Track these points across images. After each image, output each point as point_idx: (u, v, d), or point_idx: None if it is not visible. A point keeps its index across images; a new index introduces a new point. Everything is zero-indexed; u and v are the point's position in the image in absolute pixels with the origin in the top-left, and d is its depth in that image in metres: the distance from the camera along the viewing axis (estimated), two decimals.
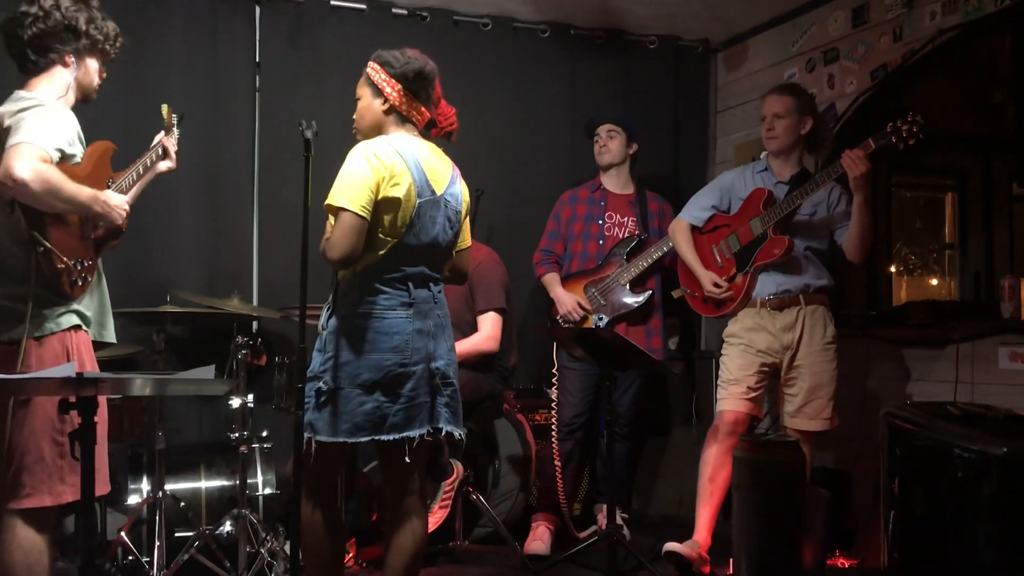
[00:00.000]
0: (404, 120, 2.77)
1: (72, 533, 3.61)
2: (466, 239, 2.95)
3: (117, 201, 2.75)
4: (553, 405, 4.33)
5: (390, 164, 2.62)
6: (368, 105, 2.78)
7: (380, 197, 2.60)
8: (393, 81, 2.73)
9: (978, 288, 5.56)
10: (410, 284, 2.68)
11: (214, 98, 4.43)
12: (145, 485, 3.61)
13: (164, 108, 3.20)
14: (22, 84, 2.70)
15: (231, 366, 3.61)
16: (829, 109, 4.46)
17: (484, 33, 4.90)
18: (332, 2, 4.61)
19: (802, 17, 4.72)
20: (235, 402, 3.54)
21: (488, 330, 4.06)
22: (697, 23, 5.08)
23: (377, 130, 2.76)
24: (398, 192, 2.62)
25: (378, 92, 2.75)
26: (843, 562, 3.86)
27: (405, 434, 2.64)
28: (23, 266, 2.55)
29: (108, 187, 2.78)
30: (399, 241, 2.65)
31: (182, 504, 3.58)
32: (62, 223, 2.59)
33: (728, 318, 3.86)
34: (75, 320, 2.64)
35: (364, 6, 4.65)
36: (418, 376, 2.66)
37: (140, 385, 2.35)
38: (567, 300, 4.28)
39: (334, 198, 2.59)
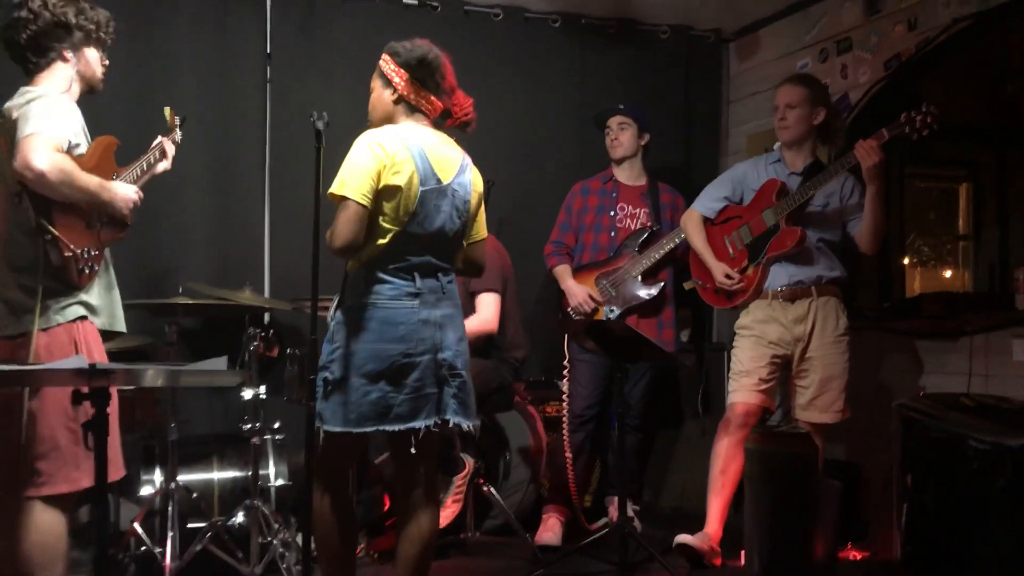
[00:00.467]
0: (413, 110, 2.76)
1: (86, 523, 3.64)
2: (481, 231, 2.94)
3: (124, 191, 2.78)
4: (564, 397, 4.33)
5: (392, 152, 2.62)
6: (379, 96, 2.79)
7: (381, 185, 2.60)
8: (400, 70, 2.73)
9: (992, 280, 5.52)
10: (416, 274, 2.68)
11: (225, 90, 4.44)
12: (158, 476, 3.63)
13: (167, 110, 3.25)
14: (27, 82, 2.75)
15: (243, 357, 3.62)
16: (842, 99, 4.43)
17: (495, 23, 4.89)
18: None
19: (815, 6, 4.69)
20: (247, 393, 3.55)
21: (486, 312, 4.00)
22: (709, 13, 5.06)
23: (387, 121, 2.76)
24: (399, 180, 2.61)
25: (388, 83, 2.76)
26: (855, 554, 3.85)
27: (410, 424, 2.64)
28: (31, 257, 2.59)
29: (113, 180, 2.81)
30: (403, 230, 2.65)
31: (194, 495, 3.60)
32: (69, 212, 2.62)
33: (740, 310, 3.85)
34: (81, 311, 2.67)
35: None
36: (424, 367, 2.65)
37: (152, 376, 2.36)
38: (578, 292, 4.27)
39: (336, 187, 2.60)
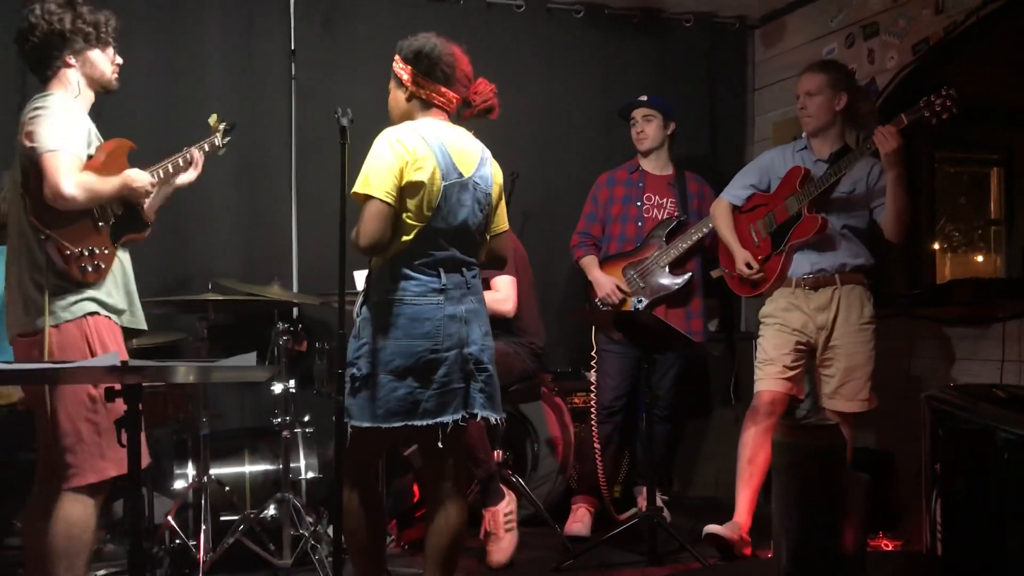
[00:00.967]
0: (428, 105, 2.77)
1: (121, 517, 3.70)
2: (502, 223, 2.95)
3: (140, 179, 2.82)
4: (592, 388, 4.33)
5: (412, 148, 2.63)
6: (394, 96, 2.81)
7: (404, 182, 2.62)
8: (405, 66, 2.75)
9: None
10: (441, 269, 2.69)
11: (250, 87, 4.47)
12: (190, 470, 3.67)
13: (213, 117, 3.28)
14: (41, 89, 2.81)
15: (272, 352, 3.66)
16: (870, 85, 4.38)
17: (518, 15, 4.88)
18: None
19: None
20: (277, 388, 3.59)
21: (504, 291, 3.95)
22: (734, 0, 5.01)
23: (406, 119, 2.77)
24: (422, 176, 2.62)
25: (400, 82, 2.78)
26: (887, 543, 3.82)
27: (438, 420, 2.66)
28: (42, 256, 2.66)
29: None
30: (427, 225, 2.66)
31: (227, 488, 3.64)
32: (70, 212, 2.67)
33: (765, 298, 3.83)
34: (92, 307, 2.72)
35: None
36: (450, 362, 2.67)
37: (184, 372, 2.38)
38: (605, 283, 4.27)
39: (359, 186, 2.61)
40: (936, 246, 5.39)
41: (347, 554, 2.91)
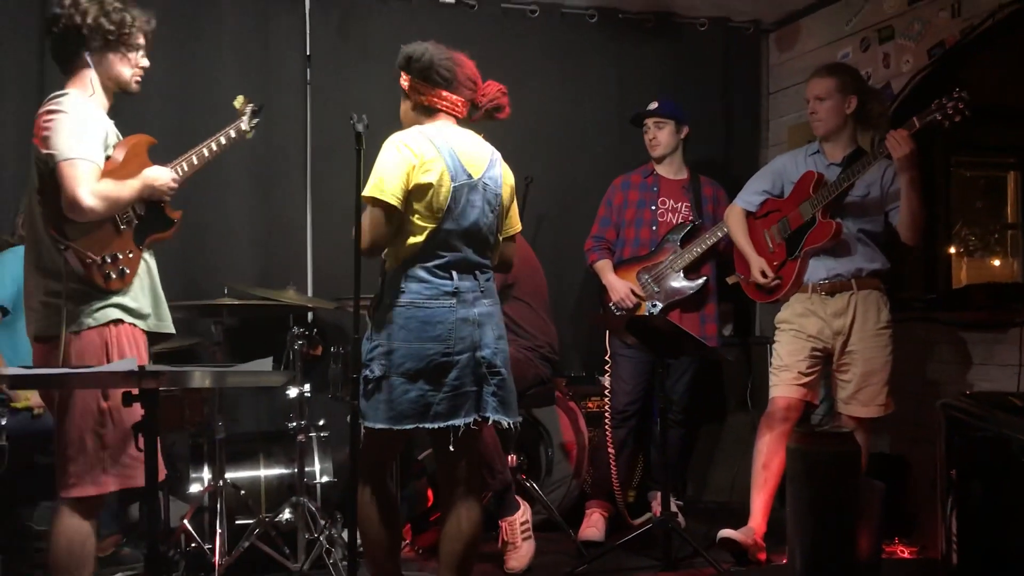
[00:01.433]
0: (433, 111, 2.78)
1: (137, 520, 3.72)
2: (515, 224, 2.95)
3: (160, 177, 2.78)
4: (606, 392, 4.33)
5: (419, 151, 2.64)
6: (403, 107, 2.85)
7: (412, 185, 2.63)
8: (403, 74, 2.78)
9: None
10: (453, 272, 2.70)
11: (266, 91, 4.47)
12: (206, 474, 3.69)
13: (239, 99, 3.23)
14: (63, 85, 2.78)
15: (287, 356, 3.67)
16: (885, 89, 4.37)
17: (531, 20, 4.89)
18: None
19: None
20: (292, 392, 3.60)
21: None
22: (748, 4, 5.01)
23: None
24: (430, 178, 2.64)
25: (405, 93, 2.80)
26: (902, 549, 3.81)
27: (450, 423, 2.66)
28: (60, 262, 2.61)
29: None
30: (438, 227, 2.67)
31: (242, 492, 3.65)
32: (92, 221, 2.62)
33: (782, 303, 3.82)
34: (116, 314, 2.67)
35: None
36: (462, 365, 2.68)
37: (200, 377, 2.40)
38: (620, 287, 4.27)
39: (367, 189, 2.63)
40: (952, 250, 5.36)
41: (362, 558, 2.91)
